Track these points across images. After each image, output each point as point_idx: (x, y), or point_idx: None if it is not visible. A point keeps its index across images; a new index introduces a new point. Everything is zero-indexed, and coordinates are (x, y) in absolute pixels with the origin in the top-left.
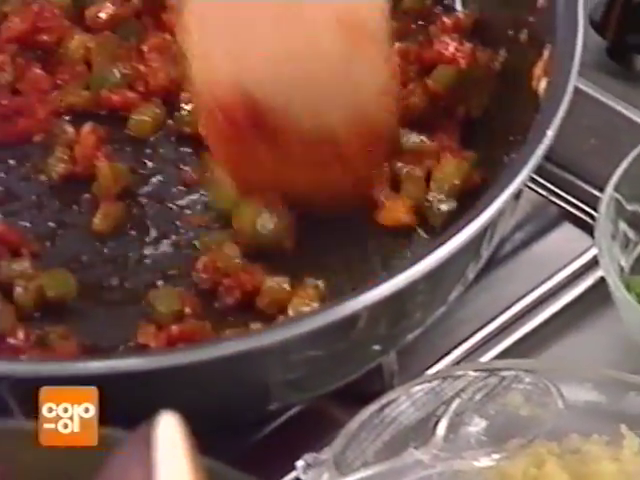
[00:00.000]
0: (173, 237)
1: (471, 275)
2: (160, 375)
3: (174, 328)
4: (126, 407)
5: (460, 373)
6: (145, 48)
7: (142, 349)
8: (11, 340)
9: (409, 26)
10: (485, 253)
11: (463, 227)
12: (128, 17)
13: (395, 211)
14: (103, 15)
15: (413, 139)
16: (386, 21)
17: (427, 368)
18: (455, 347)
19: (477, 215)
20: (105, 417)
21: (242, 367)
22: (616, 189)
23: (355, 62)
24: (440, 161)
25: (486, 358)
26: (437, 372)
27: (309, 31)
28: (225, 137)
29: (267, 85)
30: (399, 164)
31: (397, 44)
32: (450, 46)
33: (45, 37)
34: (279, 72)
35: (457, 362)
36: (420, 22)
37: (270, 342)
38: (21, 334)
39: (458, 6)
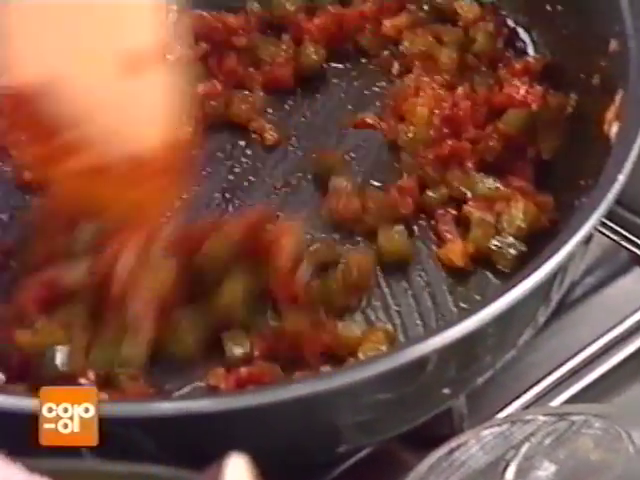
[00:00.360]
0: None
1: (541, 319)
2: (230, 417)
3: (243, 370)
4: (196, 448)
5: (530, 417)
6: None
7: (211, 390)
8: (82, 380)
9: (480, 69)
10: (555, 297)
11: (533, 271)
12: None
13: (452, 252)
14: None
15: (488, 184)
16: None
17: (497, 412)
18: (525, 391)
19: (547, 259)
20: (176, 458)
21: (312, 409)
22: None
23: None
24: (510, 203)
25: (556, 402)
26: (507, 416)
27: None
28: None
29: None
30: (471, 207)
31: (466, 87)
32: (521, 89)
33: None
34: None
35: (527, 406)
36: (490, 65)
37: (340, 385)
38: (91, 374)
39: (530, 49)
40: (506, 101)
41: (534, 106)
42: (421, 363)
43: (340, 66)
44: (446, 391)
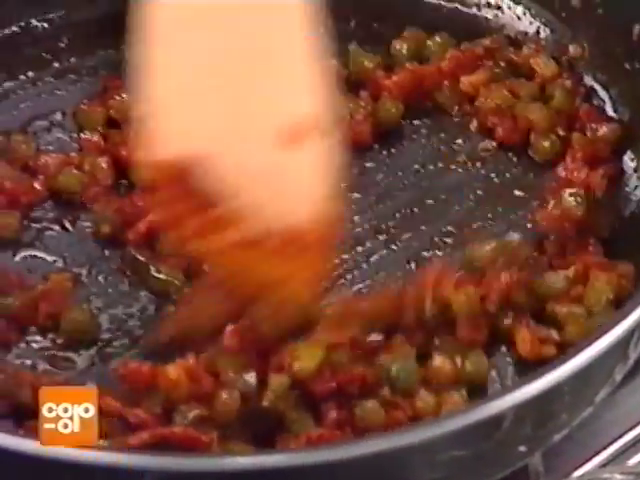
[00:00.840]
0: None
1: (618, 377)
2: (304, 472)
3: (313, 433)
4: None
5: (607, 476)
6: None
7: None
8: (138, 413)
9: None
10: (633, 355)
11: (610, 329)
12: None
13: (539, 346)
14: None
15: (560, 281)
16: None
17: (574, 470)
18: (602, 449)
19: (624, 317)
20: None
21: (386, 466)
22: None
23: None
24: (589, 281)
25: (634, 461)
26: (584, 474)
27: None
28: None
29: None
30: (556, 307)
31: None
32: (582, 172)
33: None
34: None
35: (604, 464)
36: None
37: (416, 441)
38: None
39: (608, 108)
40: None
41: (597, 191)
42: (498, 420)
43: (418, 122)
44: (522, 448)
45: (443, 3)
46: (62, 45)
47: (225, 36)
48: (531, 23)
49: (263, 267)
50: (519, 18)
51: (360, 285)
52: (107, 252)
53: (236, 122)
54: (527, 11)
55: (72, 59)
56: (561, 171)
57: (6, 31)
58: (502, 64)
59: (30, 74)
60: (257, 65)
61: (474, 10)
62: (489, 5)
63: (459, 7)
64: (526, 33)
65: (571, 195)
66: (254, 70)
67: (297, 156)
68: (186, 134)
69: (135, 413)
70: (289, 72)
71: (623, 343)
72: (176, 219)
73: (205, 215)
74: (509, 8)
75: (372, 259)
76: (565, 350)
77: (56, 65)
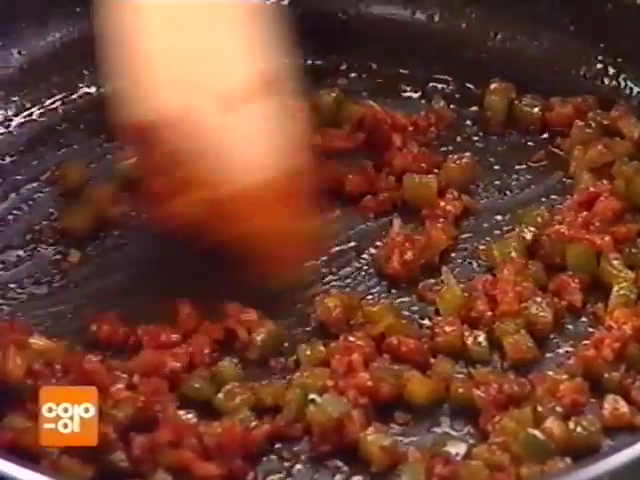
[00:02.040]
0: None
1: None
2: None
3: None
4: None
5: None
6: None
7: None
8: None
9: None
10: None
11: None
12: None
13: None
14: None
15: None
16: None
17: None
18: None
19: None
20: None
21: None
22: None
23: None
24: None
25: None
26: None
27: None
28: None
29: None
30: None
31: None
32: None
33: None
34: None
35: None
36: None
37: None
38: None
39: None
40: None
41: None
42: None
43: None
44: None
45: (540, 65)
46: None
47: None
48: (631, 89)
49: (228, 226)
50: (619, 84)
51: None
52: None
53: (193, 87)
54: (627, 76)
55: None
56: None
57: None
58: (592, 124)
59: None
60: (210, 37)
61: (572, 73)
62: (588, 69)
63: (557, 70)
64: (617, 92)
65: None
66: (208, 42)
67: (244, 118)
68: (155, 97)
69: None
70: (236, 39)
71: None
72: (149, 180)
73: (173, 174)
74: (608, 73)
75: None
76: None
77: None
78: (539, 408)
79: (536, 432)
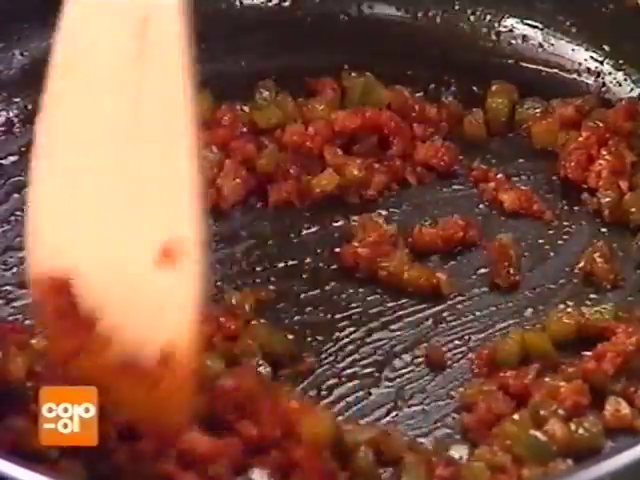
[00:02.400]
0: None
1: None
2: None
3: None
4: None
5: None
6: None
7: None
8: None
9: None
10: None
11: None
12: None
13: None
14: None
15: None
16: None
17: None
18: None
19: None
20: None
21: None
22: None
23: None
24: None
25: None
26: None
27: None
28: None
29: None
30: None
31: None
32: None
33: None
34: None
35: None
36: None
37: None
38: None
39: None
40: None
41: None
42: None
43: None
44: None
45: (542, 68)
46: None
47: None
48: (632, 90)
49: (130, 391)
50: (620, 84)
51: None
52: None
53: (111, 239)
54: (628, 77)
55: None
56: None
57: None
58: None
59: None
60: (135, 181)
61: (574, 75)
62: (589, 71)
63: (559, 72)
64: (618, 93)
65: None
66: (132, 186)
67: (167, 278)
68: (63, 249)
69: None
70: (167, 193)
71: None
72: (56, 338)
73: (79, 335)
74: (610, 74)
75: None
76: None
77: None
78: (541, 411)
79: (538, 434)
